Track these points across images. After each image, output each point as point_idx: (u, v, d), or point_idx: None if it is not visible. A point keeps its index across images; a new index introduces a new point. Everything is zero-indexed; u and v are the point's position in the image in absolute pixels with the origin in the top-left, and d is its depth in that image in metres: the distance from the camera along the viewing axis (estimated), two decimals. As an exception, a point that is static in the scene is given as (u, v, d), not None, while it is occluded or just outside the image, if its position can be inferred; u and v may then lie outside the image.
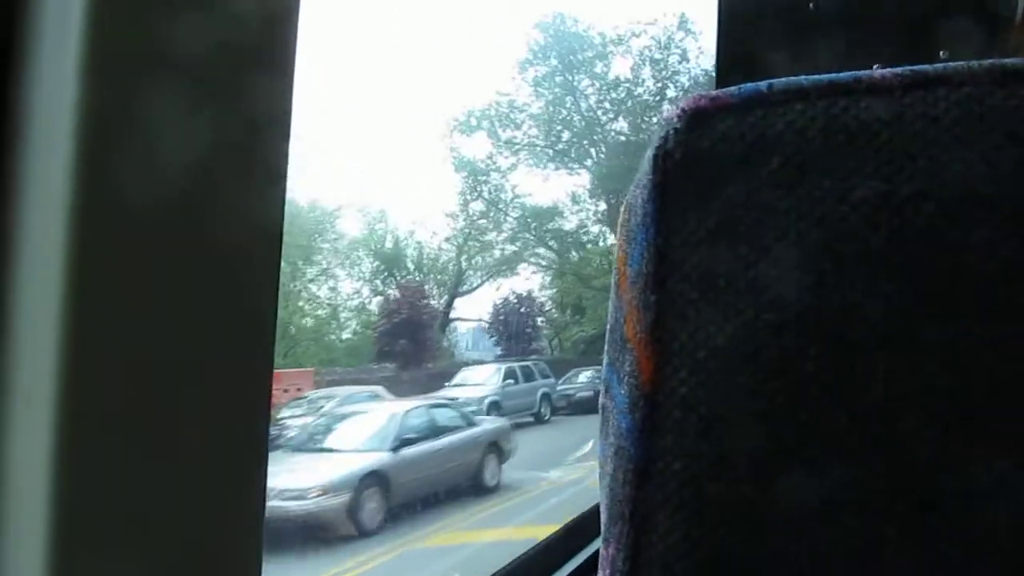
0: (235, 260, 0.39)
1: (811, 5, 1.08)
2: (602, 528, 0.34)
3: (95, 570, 0.35)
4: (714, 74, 1.11)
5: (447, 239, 15.97)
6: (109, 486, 0.35)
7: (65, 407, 0.34)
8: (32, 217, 0.35)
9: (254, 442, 0.41)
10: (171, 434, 0.37)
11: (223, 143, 0.38)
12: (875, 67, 1.07)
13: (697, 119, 0.30)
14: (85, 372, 0.34)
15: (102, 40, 0.34)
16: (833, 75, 0.30)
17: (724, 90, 0.31)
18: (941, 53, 1.00)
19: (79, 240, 0.34)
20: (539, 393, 11.95)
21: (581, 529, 1.42)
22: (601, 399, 0.35)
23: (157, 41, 0.35)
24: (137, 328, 0.36)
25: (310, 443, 6.30)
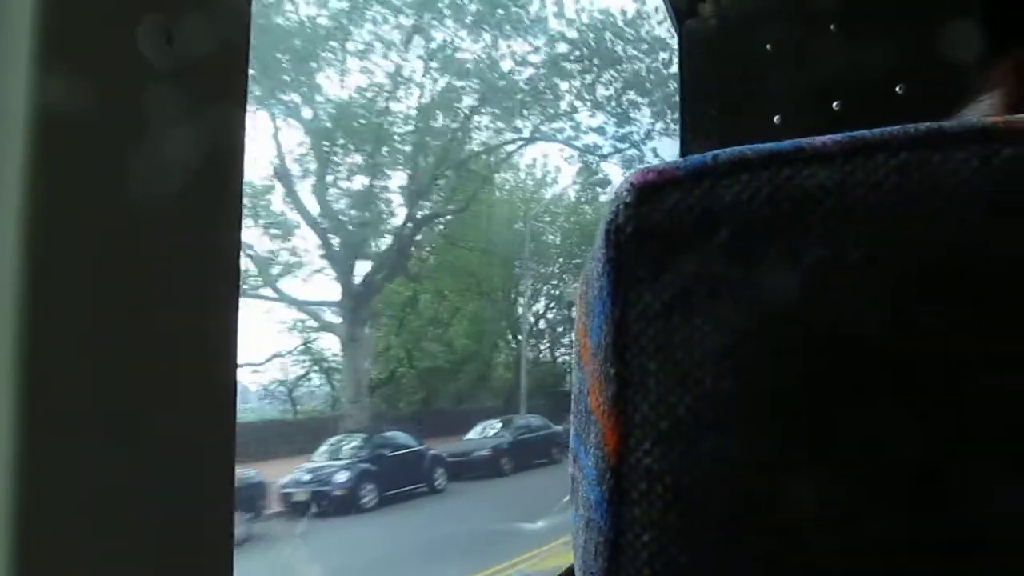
0: (195, 257, 0.40)
1: (768, 47, 1.10)
2: None
3: (62, 567, 0.35)
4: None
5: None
6: (74, 485, 0.36)
7: (25, 409, 0.34)
8: None
9: (221, 440, 0.41)
10: (136, 433, 0.37)
11: (178, 142, 0.39)
12: (834, 104, 1.07)
13: (646, 193, 0.31)
14: (42, 375, 0.34)
15: (53, 38, 0.35)
16: (775, 144, 0.31)
17: (670, 163, 0.31)
18: (897, 88, 1.02)
19: (32, 242, 0.34)
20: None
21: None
22: (570, 469, 0.35)
23: (110, 40, 0.36)
24: (94, 329, 0.36)
25: None
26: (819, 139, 0.30)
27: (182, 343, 0.39)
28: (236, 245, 0.41)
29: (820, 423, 0.29)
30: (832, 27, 1.02)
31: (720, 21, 1.14)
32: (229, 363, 0.41)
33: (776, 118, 1.03)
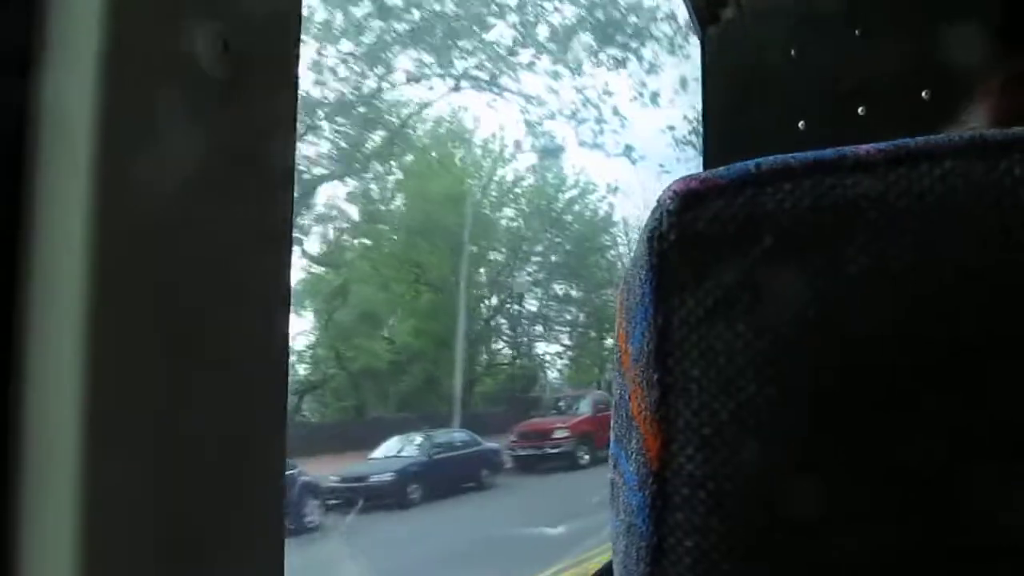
0: (248, 258, 0.41)
1: (792, 52, 1.10)
2: None
3: (121, 566, 0.36)
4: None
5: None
6: (132, 484, 0.36)
7: (86, 408, 0.35)
8: (53, 219, 0.36)
9: (272, 437, 0.42)
10: (189, 432, 0.38)
11: (235, 147, 0.40)
12: (859, 110, 1.07)
13: (689, 200, 0.31)
14: (103, 371, 0.35)
15: (118, 45, 0.36)
16: (818, 152, 0.31)
17: (714, 171, 0.31)
18: (924, 94, 1.02)
19: (98, 243, 0.35)
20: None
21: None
22: (610, 474, 0.35)
23: (170, 46, 0.37)
24: (154, 328, 0.37)
25: None
26: (863, 147, 0.30)
27: (235, 339, 0.40)
28: (287, 244, 0.42)
29: (863, 430, 0.29)
30: (856, 32, 1.02)
31: (743, 27, 1.14)
32: (281, 359, 0.42)
33: (801, 124, 1.03)
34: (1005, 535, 0.28)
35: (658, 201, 0.32)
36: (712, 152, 1.14)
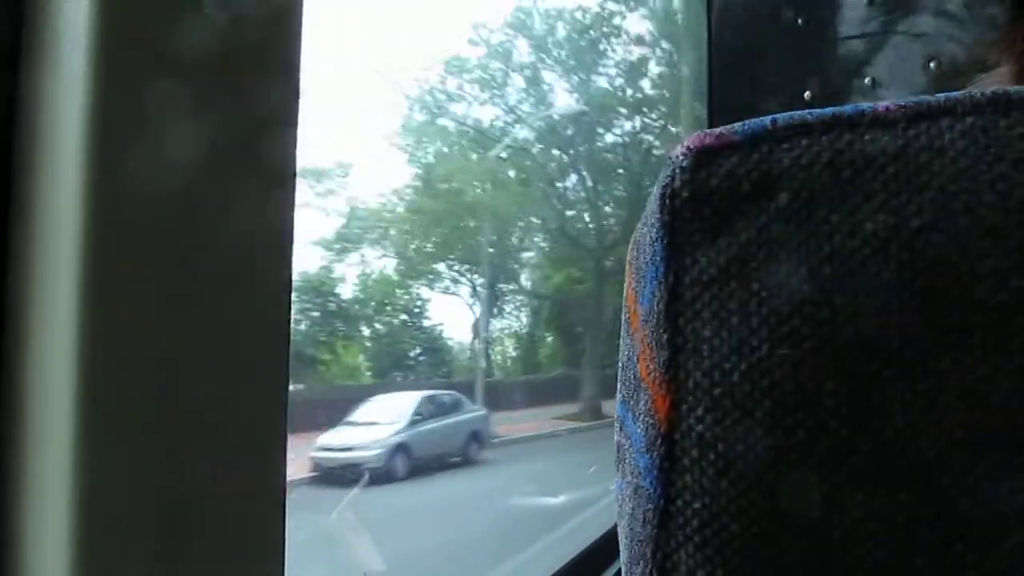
0: (248, 258, 0.40)
1: (799, 20, 1.09)
2: (623, 569, 0.33)
3: (118, 561, 0.36)
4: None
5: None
6: (128, 484, 0.36)
7: (80, 407, 0.34)
8: (44, 218, 0.36)
9: (272, 434, 0.41)
10: (188, 431, 0.38)
11: (232, 143, 0.39)
12: (867, 80, 1.06)
13: (703, 157, 0.30)
14: (100, 371, 0.35)
15: (110, 40, 0.35)
16: (836, 108, 0.30)
17: (728, 127, 0.31)
18: (931, 64, 1.01)
19: (91, 241, 0.35)
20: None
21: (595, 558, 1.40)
22: (616, 436, 0.35)
23: (164, 41, 0.36)
24: (151, 327, 0.37)
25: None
26: (881, 104, 0.30)
27: (235, 336, 0.39)
28: (289, 242, 0.41)
29: (878, 393, 0.28)
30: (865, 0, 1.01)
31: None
32: (282, 354, 0.41)
33: (807, 94, 1.02)
34: (1013, 514, 0.28)
35: (671, 157, 0.31)
36: (718, 111, 1.12)
